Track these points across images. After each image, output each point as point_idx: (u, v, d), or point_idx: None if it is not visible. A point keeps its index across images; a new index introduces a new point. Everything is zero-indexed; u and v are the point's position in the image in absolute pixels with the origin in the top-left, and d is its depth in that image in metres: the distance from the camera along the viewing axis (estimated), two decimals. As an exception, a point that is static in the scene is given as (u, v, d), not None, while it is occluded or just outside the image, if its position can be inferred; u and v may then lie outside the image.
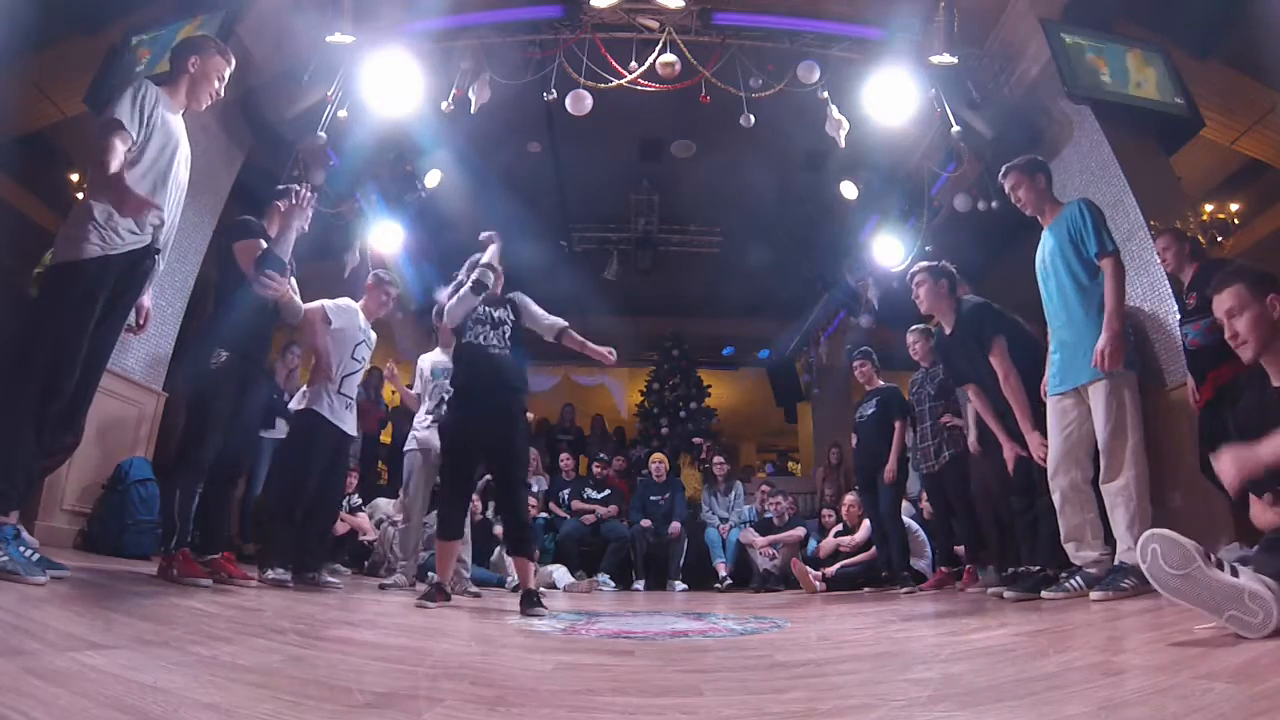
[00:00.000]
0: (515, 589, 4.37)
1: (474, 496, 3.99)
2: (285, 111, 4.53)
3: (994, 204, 4.90)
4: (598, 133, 5.56)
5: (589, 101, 4.65)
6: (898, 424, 4.43)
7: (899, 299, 6.47)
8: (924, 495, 4.69)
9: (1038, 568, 3.02)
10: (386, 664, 1.38)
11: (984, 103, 4.68)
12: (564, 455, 6.56)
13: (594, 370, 10.55)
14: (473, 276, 3.00)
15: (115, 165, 2.06)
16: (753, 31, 4.86)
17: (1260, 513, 1.62)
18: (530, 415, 3.30)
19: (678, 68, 4.62)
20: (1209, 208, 5.52)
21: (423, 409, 3.97)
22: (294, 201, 2.94)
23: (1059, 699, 1.02)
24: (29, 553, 1.91)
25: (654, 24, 4.72)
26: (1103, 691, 1.05)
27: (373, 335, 3.60)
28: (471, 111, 4.80)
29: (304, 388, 3.41)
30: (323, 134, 4.60)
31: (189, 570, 2.49)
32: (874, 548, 4.66)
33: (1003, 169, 3.00)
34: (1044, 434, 2.85)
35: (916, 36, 4.70)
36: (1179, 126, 4.29)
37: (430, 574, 4.43)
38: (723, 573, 5.49)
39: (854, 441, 4.85)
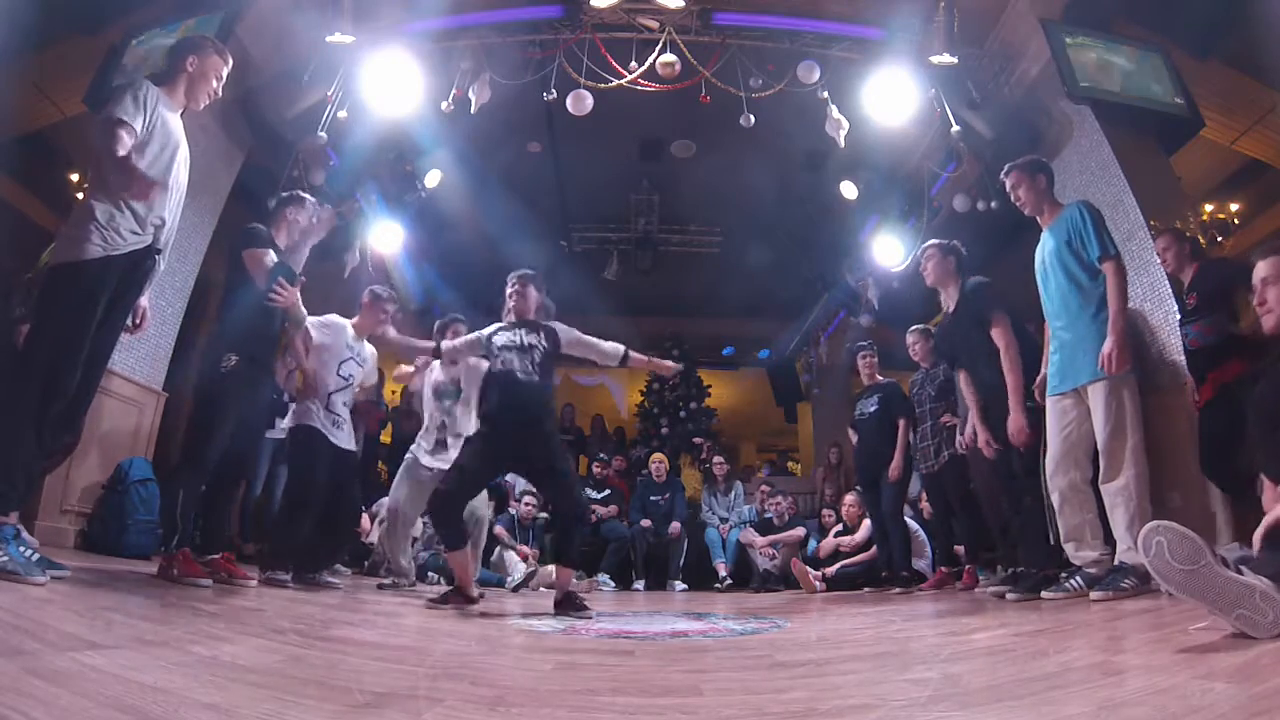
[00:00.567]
0: (516, 589, 4.37)
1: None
2: (285, 111, 4.53)
3: (994, 204, 4.90)
4: (598, 133, 5.57)
5: (589, 101, 4.65)
6: (901, 423, 4.38)
7: (899, 299, 6.49)
8: (924, 495, 4.69)
9: (1035, 569, 3.02)
10: (386, 664, 1.38)
11: (984, 103, 4.68)
12: (564, 455, 6.56)
13: (594, 370, 10.55)
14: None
15: (123, 150, 2.06)
16: (753, 31, 4.87)
17: (1272, 499, 1.61)
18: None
19: (678, 68, 4.62)
20: (1209, 208, 5.51)
21: (424, 427, 3.86)
22: (313, 219, 3.01)
23: (1059, 699, 1.02)
24: (29, 553, 1.91)
25: (654, 24, 4.73)
26: (1103, 691, 1.05)
27: (368, 351, 3.53)
28: (471, 111, 4.80)
29: (293, 405, 3.40)
30: (323, 134, 4.60)
31: (189, 570, 2.49)
32: (874, 548, 4.66)
33: (1005, 168, 3.00)
34: (1042, 433, 2.85)
35: (916, 36, 4.70)
36: (1179, 126, 4.29)
37: (430, 574, 4.45)
38: (723, 573, 5.49)
39: (854, 438, 4.81)
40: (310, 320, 3.29)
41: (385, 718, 0.93)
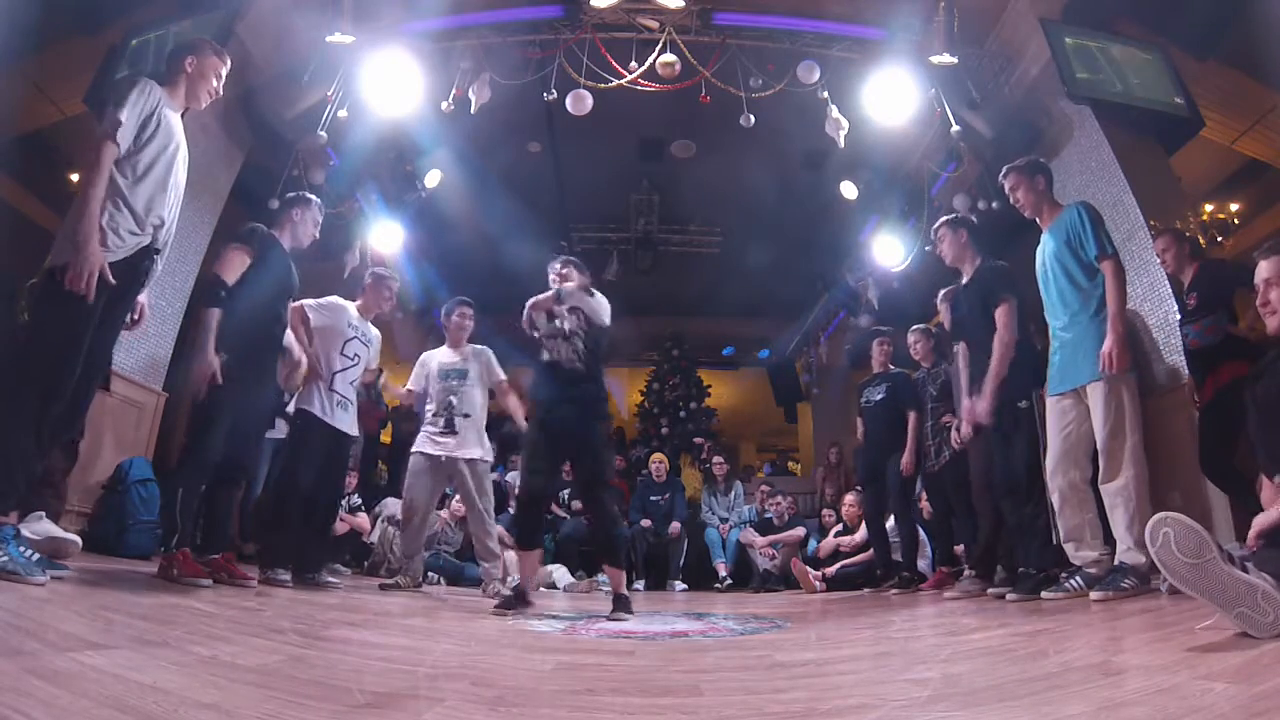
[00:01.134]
0: (515, 589, 4.35)
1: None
2: (285, 111, 4.53)
3: (994, 204, 4.89)
4: (598, 133, 5.56)
5: (589, 101, 4.65)
6: (912, 415, 4.28)
7: (899, 299, 6.49)
8: (924, 495, 4.68)
9: (1035, 570, 3.02)
10: (386, 664, 1.37)
11: (984, 103, 4.68)
12: (564, 455, 6.55)
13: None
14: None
15: (103, 170, 2.05)
16: (753, 31, 4.87)
17: (1271, 496, 1.61)
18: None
19: (678, 68, 4.62)
20: (1209, 208, 5.51)
21: (429, 412, 3.84)
22: (319, 220, 3.09)
23: (1059, 699, 1.02)
24: (29, 553, 1.91)
25: (654, 24, 4.73)
26: (1103, 691, 1.05)
27: (372, 332, 3.58)
28: (471, 111, 4.80)
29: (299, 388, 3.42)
30: (323, 134, 4.60)
31: (189, 570, 2.49)
32: (872, 548, 4.64)
33: (1003, 169, 3.00)
34: (1040, 432, 2.85)
35: (916, 36, 4.70)
36: (1179, 126, 4.28)
37: (431, 574, 4.45)
38: (723, 573, 5.49)
39: (859, 428, 4.71)
40: (307, 303, 3.32)
41: (385, 718, 0.93)
